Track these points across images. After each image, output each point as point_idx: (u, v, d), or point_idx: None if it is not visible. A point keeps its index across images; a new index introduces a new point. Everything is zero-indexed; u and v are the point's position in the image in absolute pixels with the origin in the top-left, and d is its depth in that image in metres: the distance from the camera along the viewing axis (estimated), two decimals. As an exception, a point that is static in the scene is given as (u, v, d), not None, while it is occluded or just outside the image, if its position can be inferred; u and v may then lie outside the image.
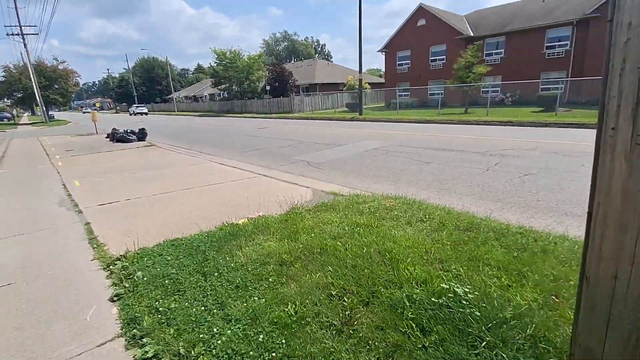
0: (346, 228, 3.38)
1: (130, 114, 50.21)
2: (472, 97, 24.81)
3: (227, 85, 37.55)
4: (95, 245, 3.54)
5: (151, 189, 5.97)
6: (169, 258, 2.95)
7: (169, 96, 67.94)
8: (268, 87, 31.94)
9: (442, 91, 28.66)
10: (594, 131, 1.21)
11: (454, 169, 6.70)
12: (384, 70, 35.53)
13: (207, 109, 43.94)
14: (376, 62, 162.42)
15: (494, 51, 26.23)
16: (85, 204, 5.14)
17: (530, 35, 24.18)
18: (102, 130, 20.22)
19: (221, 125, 22.76)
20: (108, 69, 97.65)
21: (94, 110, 20.17)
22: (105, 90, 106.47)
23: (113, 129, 14.29)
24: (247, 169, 7.61)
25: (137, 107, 51.18)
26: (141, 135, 13.55)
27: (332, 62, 48.44)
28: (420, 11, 28.97)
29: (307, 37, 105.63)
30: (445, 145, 9.50)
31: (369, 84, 30.05)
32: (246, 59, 35.88)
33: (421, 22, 29.02)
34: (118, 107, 79.23)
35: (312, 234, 3.29)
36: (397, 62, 31.29)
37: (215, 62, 36.36)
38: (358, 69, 21.51)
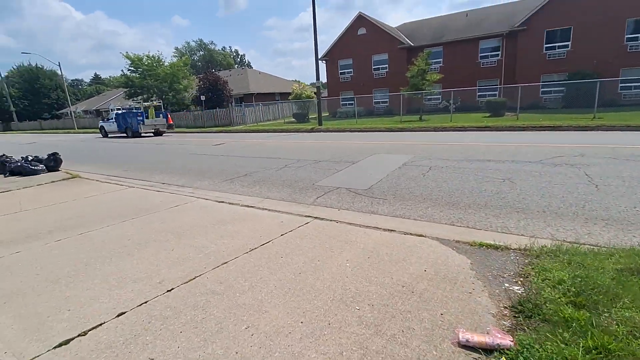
0: None
1: None
2: (418, 105, 25.19)
3: (145, 96, 32.02)
4: None
5: (146, 271, 3.12)
6: None
7: (62, 111, 56.91)
8: (203, 98, 27.97)
9: (387, 99, 28.75)
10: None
11: (561, 187, 5.24)
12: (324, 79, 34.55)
13: (118, 125, 37.12)
14: (300, 74, 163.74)
15: (433, 60, 27.14)
16: (17, 347, 2.16)
17: (465, 45, 25.59)
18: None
19: (154, 142, 18.59)
20: (-30, 80, 78.29)
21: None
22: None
23: (2, 156, 9.82)
24: (272, 207, 5.06)
25: None
26: (53, 162, 9.47)
27: (261, 71, 45.79)
28: (360, 20, 28.73)
29: (224, 47, 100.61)
30: (480, 155, 8.19)
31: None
32: (168, 66, 31.16)
33: (361, 30, 28.77)
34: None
35: None
36: (339, 71, 30.53)
37: (130, 70, 30.76)
38: (315, 77, 19.75)
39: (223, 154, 11.43)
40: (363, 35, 28.75)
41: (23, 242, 4.16)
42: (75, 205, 5.80)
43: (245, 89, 36.22)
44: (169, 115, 24.61)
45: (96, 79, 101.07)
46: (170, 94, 31.62)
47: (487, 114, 20.64)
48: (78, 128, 41.38)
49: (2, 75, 60.74)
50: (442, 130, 15.03)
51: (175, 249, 3.67)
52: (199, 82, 30.07)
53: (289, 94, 42.93)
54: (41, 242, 4.09)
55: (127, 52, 29.88)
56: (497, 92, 24.71)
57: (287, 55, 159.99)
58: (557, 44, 22.02)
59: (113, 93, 61.73)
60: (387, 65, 28.44)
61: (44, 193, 7.05)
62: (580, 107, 20.29)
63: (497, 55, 24.71)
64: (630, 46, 19.98)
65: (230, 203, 5.44)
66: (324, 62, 31.53)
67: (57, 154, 9.64)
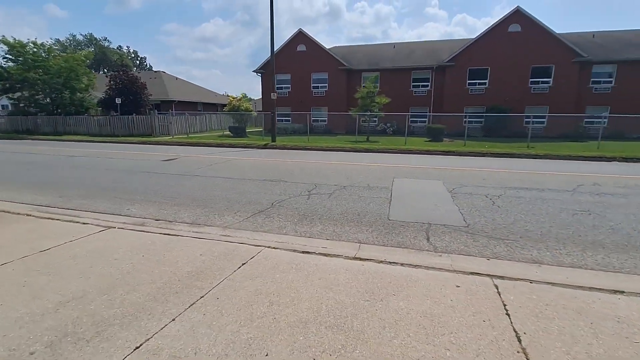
0: None
1: None
2: (354, 126, 25.67)
3: (28, 93, 24.74)
4: None
5: None
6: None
7: None
8: (119, 101, 22.84)
9: (326, 118, 28.56)
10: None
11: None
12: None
13: (-23, 127, 27.90)
14: (202, 84, 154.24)
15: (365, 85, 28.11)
16: None
17: (399, 74, 27.27)
18: None
19: (69, 154, 14.05)
20: None
21: None
22: None
23: None
24: (392, 259, 3.66)
25: None
26: None
27: (178, 77, 40.72)
28: (300, 36, 28.16)
29: (120, 46, 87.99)
30: (508, 182, 7.98)
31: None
32: (63, 59, 24.90)
33: (301, 47, 28.17)
34: None
35: None
36: (276, 86, 29.13)
37: (6, 58, 23.47)
38: (272, 89, 18.08)
39: (197, 174, 8.92)
40: (302, 52, 28.18)
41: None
42: (45, 267, 3.24)
43: (162, 95, 31.59)
44: None
45: None
46: (65, 93, 25.17)
47: (428, 139, 21.98)
48: None
49: None
50: (408, 153, 15.08)
51: (395, 371, 1.97)
52: (110, 82, 24.70)
53: (213, 104, 39.58)
54: (60, 386, 1.84)
55: (3, 36, 22.77)
56: (426, 119, 26.82)
57: (187, 64, 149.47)
58: (477, 81, 25.19)
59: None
60: (326, 85, 28.35)
61: (-64, 243, 3.96)
62: (497, 136, 23.46)
63: (427, 86, 27.02)
64: (533, 88, 24.11)
65: (321, 254, 3.74)
66: (260, 74, 29.81)
67: None
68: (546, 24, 23.85)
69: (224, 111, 25.47)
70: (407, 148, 15.78)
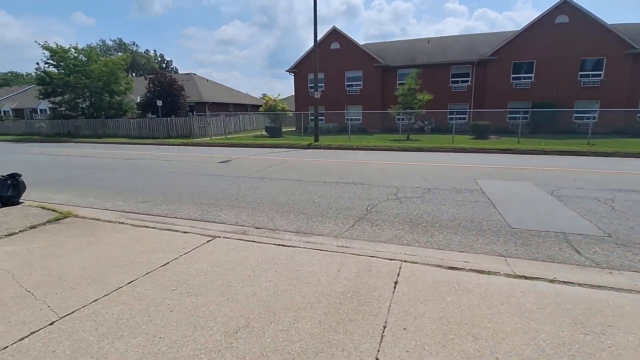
0: None
1: None
2: (390, 124, 25.18)
3: (69, 97, 25.50)
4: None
5: None
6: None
7: None
8: (160, 103, 23.14)
9: (360, 117, 28.03)
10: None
11: None
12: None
13: (24, 131, 29.14)
14: (237, 84, 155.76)
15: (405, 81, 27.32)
16: None
17: (438, 69, 26.33)
18: None
19: (123, 157, 14.22)
20: None
21: None
22: None
23: None
24: (570, 279, 3.10)
25: None
26: (11, 190, 5.72)
27: (209, 79, 41.14)
28: (334, 34, 27.69)
29: (147, 50, 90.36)
30: (607, 183, 7.25)
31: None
32: (102, 63, 25.49)
33: (335, 45, 27.70)
34: None
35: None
36: (309, 85, 28.83)
37: (48, 63, 24.24)
38: (313, 88, 17.76)
39: (263, 177, 8.65)
40: (336, 50, 27.70)
41: None
42: (179, 286, 2.94)
43: (196, 97, 31.91)
44: None
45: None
46: (105, 96, 25.77)
47: (472, 136, 21.04)
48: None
49: None
50: (462, 152, 14.37)
51: None
52: (149, 84, 25.08)
53: (244, 105, 39.83)
54: None
55: (46, 42, 23.53)
56: (465, 116, 25.79)
57: (207, 67, 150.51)
58: (522, 75, 23.97)
59: (5, 92, 49.89)
60: (361, 83, 27.76)
61: (47, 258, 3.78)
62: (544, 132, 22.19)
63: (467, 81, 25.96)
64: (582, 82, 22.70)
65: (473, 270, 3.28)
66: (292, 74, 29.56)
67: (18, 175, 5.90)
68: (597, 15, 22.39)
69: (260, 111, 25.37)
70: (459, 146, 15.05)
